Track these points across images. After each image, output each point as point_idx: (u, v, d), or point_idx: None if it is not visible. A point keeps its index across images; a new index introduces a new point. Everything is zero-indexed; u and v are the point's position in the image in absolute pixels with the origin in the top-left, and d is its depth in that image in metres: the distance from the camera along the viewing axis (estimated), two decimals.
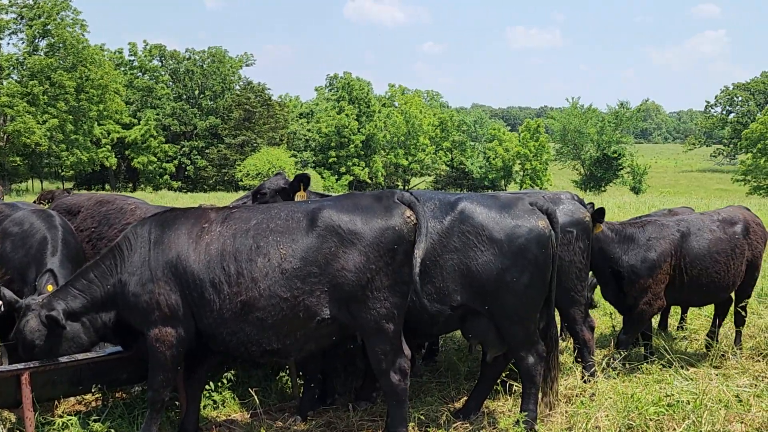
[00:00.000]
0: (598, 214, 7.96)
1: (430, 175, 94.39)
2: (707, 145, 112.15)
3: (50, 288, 6.85)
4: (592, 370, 7.77)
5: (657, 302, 8.27)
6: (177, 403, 6.84)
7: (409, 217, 5.88)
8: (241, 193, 55.83)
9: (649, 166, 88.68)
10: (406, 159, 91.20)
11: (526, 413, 6.48)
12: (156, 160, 77.42)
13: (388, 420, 6.13)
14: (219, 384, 7.32)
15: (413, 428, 6.63)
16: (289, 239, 5.81)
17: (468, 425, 6.77)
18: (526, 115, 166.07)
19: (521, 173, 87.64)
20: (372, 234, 5.78)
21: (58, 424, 6.04)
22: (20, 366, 5.81)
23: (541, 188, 75.04)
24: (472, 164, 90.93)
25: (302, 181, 8.17)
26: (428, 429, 6.66)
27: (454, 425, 6.75)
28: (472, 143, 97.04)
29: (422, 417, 6.76)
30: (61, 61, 65.69)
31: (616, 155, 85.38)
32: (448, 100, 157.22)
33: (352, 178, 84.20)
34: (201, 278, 5.84)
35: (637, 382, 7.32)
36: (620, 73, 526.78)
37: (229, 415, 7.07)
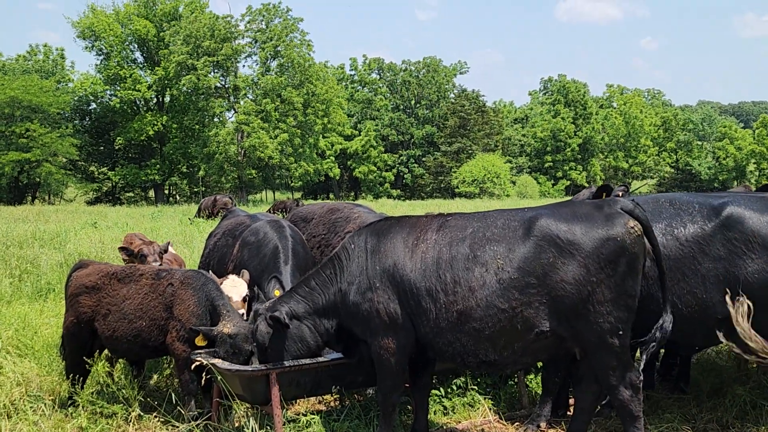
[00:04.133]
0: None
1: (652, 178, 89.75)
2: None
3: (277, 293, 7.28)
4: None
5: None
6: (410, 407, 6.93)
7: (632, 227, 5.53)
8: (458, 201, 56.20)
9: None
10: (627, 161, 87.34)
11: None
12: (375, 169, 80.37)
13: None
14: (449, 390, 7.38)
15: None
16: (505, 248, 5.66)
17: None
18: (761, 110, 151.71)
19: (756, 173, 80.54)
20: (592, 244, 5.48)
21: (303, 421, 6.39)
22: (269, 366, 6.22)
23: None
24: (699, 165, 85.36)
25: None
26: None
27: None
28: (700, 143, 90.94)
29: None
30: (290, 79, 70.19)
31: None
32: (671, 98, 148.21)
33: (569, 182, 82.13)
34: (417, 287, 5.85)
35: None
36: None
37: (459, 422, 7.07)
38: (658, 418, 6.86)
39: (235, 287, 7.41)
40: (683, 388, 7.65)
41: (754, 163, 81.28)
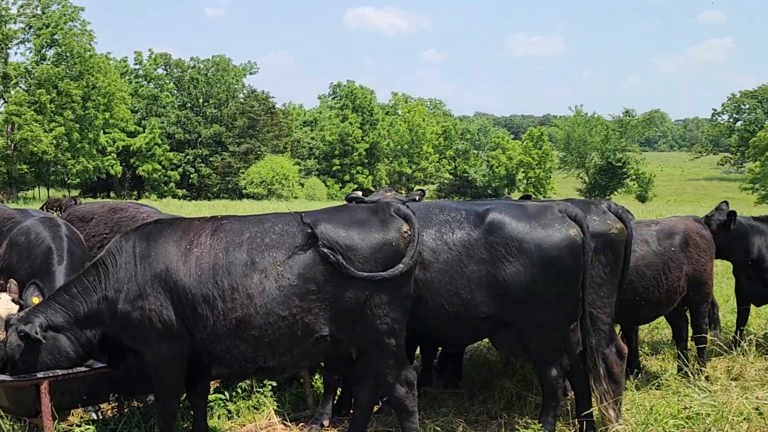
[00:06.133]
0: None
1: (433, 183, 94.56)
2: (714, 153, 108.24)
3: (35, 300, 6.69)
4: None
5: None
6: (192, 412, 6.72)
7: (406, 231, 5.74)
8: (246, 202, 55.40)
9: (654, 175, 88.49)
10: (410, 167, 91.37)
11: (542, 425, 6.33)
12: (160, 168, 77.57)
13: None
14: (233, 394, 7.20)
15: None
16: (285, 255, 5.62)
17: None
18: (529, 123, 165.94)
19: (525, 181, 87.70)
20: (369, 249, 5.63)
21: None
22: (40, 375, 5.70)
23: (544, 197, 74.98)
24: (475, 172, 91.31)
25: None
26: None
27: None
28: (476, 151, 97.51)
29: (438, 428, 6.63)
30: (68, 70, 65.99)
31: (620, 164, 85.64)
32: (451, 109, 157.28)
33: (355, 186, 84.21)
34: (193, 293, 5.61)
35: (655, 395, 7.19)
36: (624, 81, 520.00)
37: (244, 425, 6.93)
38: (435, 413, 7.14)
39: (8, 310, 6.41)
40: (457, 383, 8.11)
41: (523, 171, 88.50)
